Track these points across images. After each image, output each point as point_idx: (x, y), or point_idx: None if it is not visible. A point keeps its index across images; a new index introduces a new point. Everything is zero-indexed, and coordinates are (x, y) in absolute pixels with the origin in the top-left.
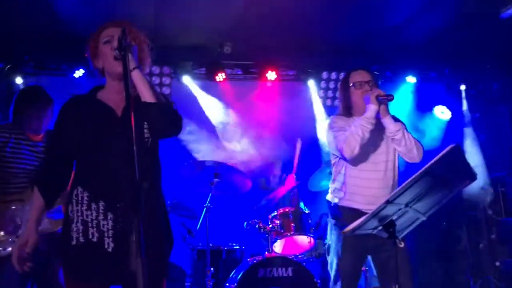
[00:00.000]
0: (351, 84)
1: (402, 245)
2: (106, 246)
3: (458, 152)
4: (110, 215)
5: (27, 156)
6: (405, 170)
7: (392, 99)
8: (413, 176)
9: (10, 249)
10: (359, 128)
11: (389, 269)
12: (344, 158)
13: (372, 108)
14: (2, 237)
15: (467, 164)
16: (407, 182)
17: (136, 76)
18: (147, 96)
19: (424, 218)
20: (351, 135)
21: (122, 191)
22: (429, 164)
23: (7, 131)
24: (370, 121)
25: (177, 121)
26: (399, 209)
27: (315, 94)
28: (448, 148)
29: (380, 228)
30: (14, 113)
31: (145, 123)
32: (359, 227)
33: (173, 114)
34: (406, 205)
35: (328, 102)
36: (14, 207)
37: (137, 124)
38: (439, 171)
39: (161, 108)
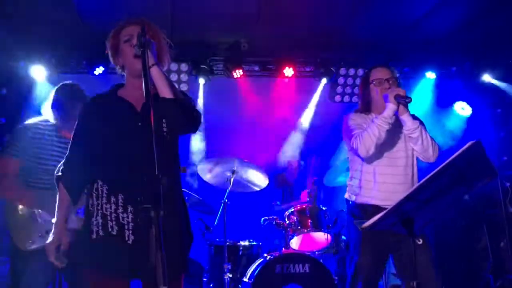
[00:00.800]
0: (371, 81)
1: (420, 242)
2: (126, 239)
3: (479, 149)
4: (130, 208)
5: (59, 153)
6: (425, 168)
7: (410, 101)
8: (433, 172)
9: (43, 242)
10: (375, 127)
11: (409, 266)
12: (359, 156)
13: (390, 107)
14: (35, 231)
15: (488, 161)
16: (426, 178)
17: (155, 73)
18: (165, 92)
19: (443, 215)
20: (367, 134)
21: (141, 185)
22: (449, 159)
23: (42, 128)
24: (387, 121)
25: (195, 118)
26: (418, 206)
27: (318, 93)
28: (468, 144)
29: (398, 224)
30: (53, 112)
31: (164, 118)
32: (378, 222)
33: (192, 110)
34: (425, 201)
35: (346, 98)
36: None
37: (156, 119)
38: (459, 167)
39: (179, 104)
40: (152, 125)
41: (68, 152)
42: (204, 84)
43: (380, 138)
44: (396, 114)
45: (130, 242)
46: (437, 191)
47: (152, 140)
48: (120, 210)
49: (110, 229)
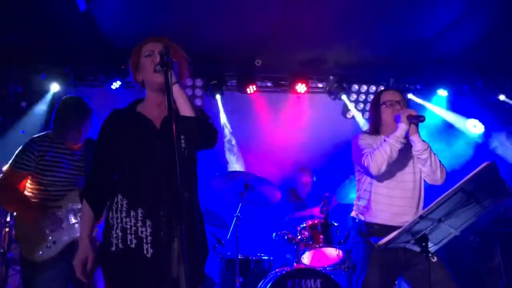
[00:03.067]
0: (381, 103)
1: (435, 259)
2: (145, 252)
3: (493, 170)
4: (148, 222)
5: (65, 165)
6: (433, 188)
7: (423, 120)
8: (447, 192)
9: (51, 253)
10: (388, 146)
11: (425, 284)
12: (370, 175)
13: (402, 127)
14: (42, 242)
15: (502, 182)
16: (440, 197)
17: (176, 91)
18: (186, 110)
19: (457, 233)
20: (379, 152)
21: (161, 199)
22: (463, 180)
23: (47, 141)
24: (399, 140)
25: (213, 135)
26: (432, 224)
27: (351, 105)
28: (483, 165)
29: (412, 242)
30: (54, 123)
31: (182, 135)
32: (393, 241)
33: (210, 128)
34: (439, 220)
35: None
36: (52, 214)
37: (176, 136)
38: (473, 187)
39: (199, 122)
40: (174, 142)
41: (91, 168)
42: (218, 99)
43: (392, 156)
44: (406, 134)
45: (148, 255)
46: (452, 210)
47: (172, 157)
48: (139, 224)
49: (129, 242)
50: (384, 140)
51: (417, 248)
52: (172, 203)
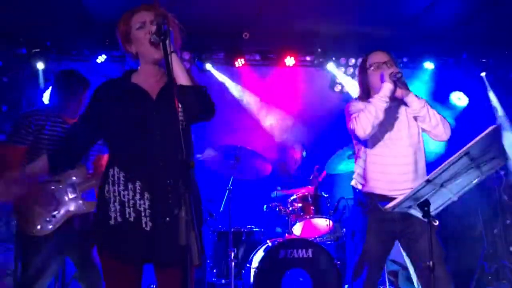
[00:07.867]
0: (369, 66)
1: (436, 223)
2: (143, 226)
3: (498, 134)
4: (147, 195)
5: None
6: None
7: (400, 77)
8: (453, 156)
9: (50, 227)
10: (372, 106)
11: (419, 250)
12: (358, 139)
13: (386, 87)
14: (41, 216)
15: (502, 146)
16: (446, 162)
17: (174, 60)
18: (183, 79)
19: (455, 199)
20: (364, 114)
21: (158, 171)
22: (469, 144)
23: (44, 115)
24: (384, 99)
25: (212, 106)
26: (434, 189)
27: (340, 73)
28: (489, 129)
29: (415, 207)
30: (51, 97)
31: (180, 106)
32: (398, 205)
33: (208, 98)
34: (441, 185)
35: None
36: (53, 187)
37: (174, 107)
38: (477, 152)
39: (198, 91)
40: (175, 112)
41: (67, 130)
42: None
43: (378, 117)
44: (395, 95)
45: (147, 228)
46: (455, 174)
47: (168, 128)
48: (138, 197)
49: (127, 215)
50: (369, 101)
51: (419, 213)
52: (179, 171)
